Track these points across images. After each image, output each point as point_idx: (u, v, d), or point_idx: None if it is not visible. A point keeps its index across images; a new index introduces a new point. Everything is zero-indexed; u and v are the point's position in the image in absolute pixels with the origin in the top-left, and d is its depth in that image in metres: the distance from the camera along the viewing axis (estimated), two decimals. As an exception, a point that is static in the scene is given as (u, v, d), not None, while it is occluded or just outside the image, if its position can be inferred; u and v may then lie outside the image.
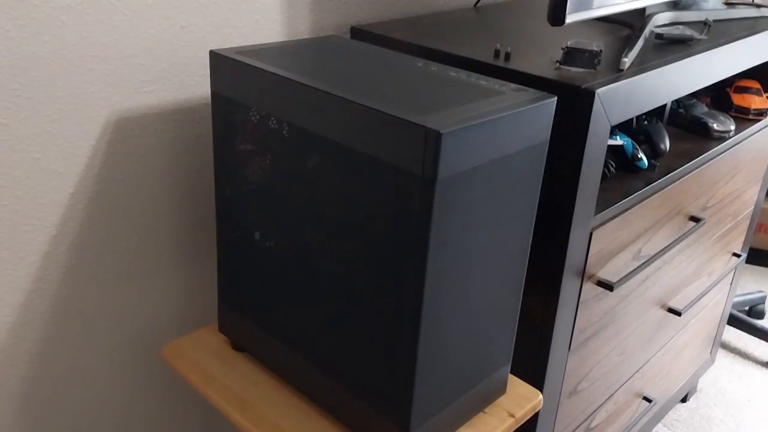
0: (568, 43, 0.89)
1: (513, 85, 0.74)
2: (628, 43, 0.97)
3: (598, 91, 0.81)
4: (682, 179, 1.11)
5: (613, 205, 0.96)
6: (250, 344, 0.90)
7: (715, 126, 1.22)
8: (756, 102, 1.32)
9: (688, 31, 1.05)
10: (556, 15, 0.86)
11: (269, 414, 0.83)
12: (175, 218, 0.98)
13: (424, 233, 0.64)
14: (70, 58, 0.80)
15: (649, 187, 1.03)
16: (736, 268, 1.56)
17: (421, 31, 1.05)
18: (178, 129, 0.94)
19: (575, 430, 1.16)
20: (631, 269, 1.07)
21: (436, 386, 0.74)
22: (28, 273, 0.86)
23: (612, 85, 0.84)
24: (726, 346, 1.95)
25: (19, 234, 0.83)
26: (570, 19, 0.87)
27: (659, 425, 1.66)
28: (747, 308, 2.07)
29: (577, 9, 0.88)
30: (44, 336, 0.90)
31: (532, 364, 0.99)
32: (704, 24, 1.13)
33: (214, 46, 0.93)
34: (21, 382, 0.90)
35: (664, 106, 1.20)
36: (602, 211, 0.94)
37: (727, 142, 1.22)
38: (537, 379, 0.99)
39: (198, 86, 0.93)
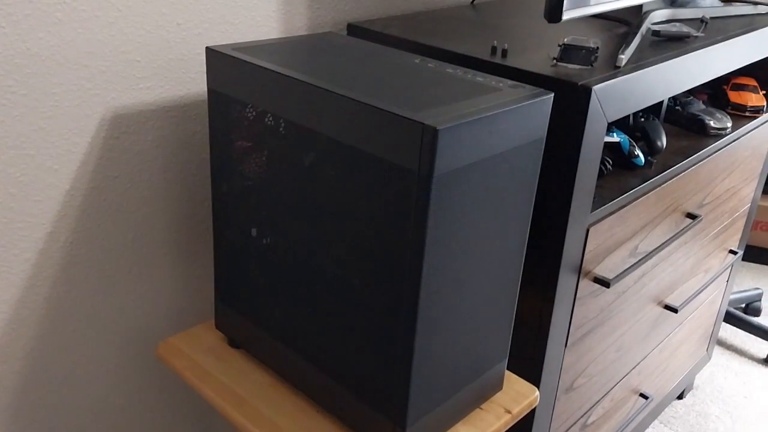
0: (565, 39, 0.89)
1: (510, 82, 0.74)
2: (625, 40, 0.97)
3: (595, 87, 0.81)
4: (678, 176, 1.11)
5: (609, 201, 0.96)
6: (246, 341, 0.90)
7: (711, 123, 1.22)
8: (752, 99, 1.32)
9: (684, 29, 1.05)
10: (553, 12, 0.86)
11: (265, 411, 0.83)
12: (171, 215, 0.98)
13: (420, 229, 0.64)
14: (66, 54, 0.80)
15: (645, 184, 1.03)
16: (732, 265, 1.56)
17: (418, 28, 1.05)
18: (174, 126, 0.93)
19: (572, 426, 1.16)
20: (628, 266, 1.07)
21: (433, 383, 0.74)
22: (23, 270, 0.85)
23: (609, 82, 0.84)
24: (722, 343, 1.96)
25: (14, 231, 0.83)
26: (567, 15, 0.87)
27: (656, 422, 1.66)
28: (743, 305, 2.08)
29: (574, 6, 0.88)
30: (39, 333, 0.90)
31: (529, 361, 0.99)
32: (701, 21, 1.13)
33: (211, 43, 0.93)
34: (16, 380, 0.90)
35: (661, 103, 1.20)
36: (599, 207, 0.94)
37: (723, 139, 1.22)
38: (534, 376, 0.99)
39: (194, 83, 0.93)
